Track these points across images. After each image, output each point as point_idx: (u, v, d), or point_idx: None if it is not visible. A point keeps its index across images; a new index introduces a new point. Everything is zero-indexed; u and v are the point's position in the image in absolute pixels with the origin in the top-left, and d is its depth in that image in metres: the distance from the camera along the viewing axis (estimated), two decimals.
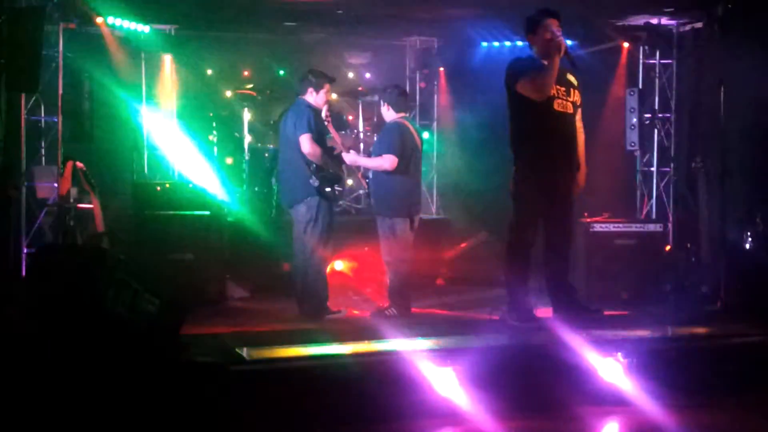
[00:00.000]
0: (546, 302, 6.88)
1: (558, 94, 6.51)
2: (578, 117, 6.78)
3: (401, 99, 7.50)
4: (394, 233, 7.26)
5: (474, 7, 8.98)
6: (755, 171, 8.45)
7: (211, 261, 8.00)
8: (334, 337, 6.41)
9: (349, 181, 9.77)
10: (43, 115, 8.34)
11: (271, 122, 10.15)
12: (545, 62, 6.44)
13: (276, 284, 8.37)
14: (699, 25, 9.26)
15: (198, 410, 5.17)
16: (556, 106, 6.50)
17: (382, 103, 7.51)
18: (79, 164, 7.04)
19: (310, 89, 7.42)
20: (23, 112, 7.21)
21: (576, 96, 6.64)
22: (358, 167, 7.95)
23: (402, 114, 7.48)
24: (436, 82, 11.08)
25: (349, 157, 7.46)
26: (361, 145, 10.22)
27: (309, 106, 7.37)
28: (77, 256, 6.46)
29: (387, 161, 7.21)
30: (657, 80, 9.65)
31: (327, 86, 7.48)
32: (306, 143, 7.17)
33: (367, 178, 7.49)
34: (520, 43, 10.15)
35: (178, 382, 5.40)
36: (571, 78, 6.65)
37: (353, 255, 8.51)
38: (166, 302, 5.97)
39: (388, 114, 7.46)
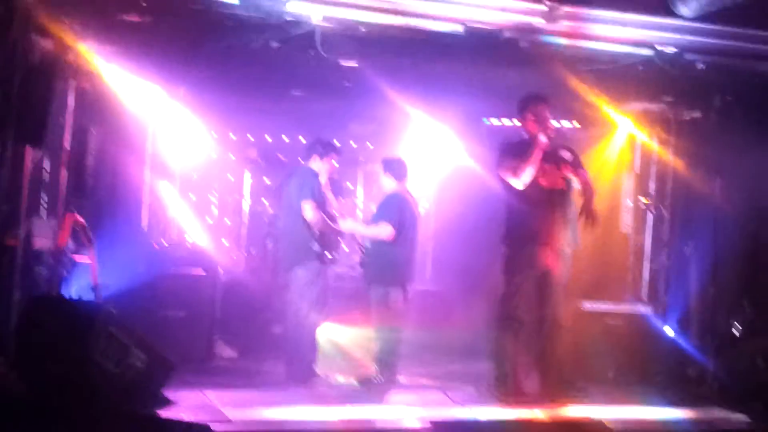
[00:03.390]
0: (533, 378, 6.88)
1: (544, 171, 6.64)
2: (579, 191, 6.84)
3: (403, 169, 7.61)
4: (386, 302, 7.30)
5: (477, 89, 9.13)
6: (745, 258, 8.52)
7: (202, 319, 8.02)
8: (319, 401, 6.43)
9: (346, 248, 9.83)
10: (47, 168, 8.42)
11: (273, 188, 10.26)
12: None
13: (265, 345, 8.38)
14: (697, 114, 9.41)
15: None
16: (541, 183, 6.63)
17: (383, 172, 7.60)
18: (80, 219, 7.12)
19: (315, 156, 7.53)
20: (28, 163, 7.30)
21: (567, 171, 6.73)
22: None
23: (402, 184, 7.58)
24: (437, 154, 11.16)
25: (347, 224, 7.55)
26: (360, 214, 10.30)
27: (313, 173, 7.49)
28: (70, 307, 6.52)
29: (384, 230, 7.30)
30: (654, 165, 9.77)
31: (333, 156, 7.60)
32: (309, 210, 7.26)
33: (363, 246, 7.55)
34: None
35: None
36: (565, 153, 6.74)
37: (344, 320, 8.53)
38: (153, 359, 6.02)
39: (390, 184, 7.56)
